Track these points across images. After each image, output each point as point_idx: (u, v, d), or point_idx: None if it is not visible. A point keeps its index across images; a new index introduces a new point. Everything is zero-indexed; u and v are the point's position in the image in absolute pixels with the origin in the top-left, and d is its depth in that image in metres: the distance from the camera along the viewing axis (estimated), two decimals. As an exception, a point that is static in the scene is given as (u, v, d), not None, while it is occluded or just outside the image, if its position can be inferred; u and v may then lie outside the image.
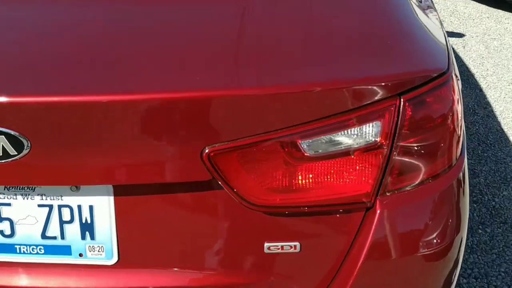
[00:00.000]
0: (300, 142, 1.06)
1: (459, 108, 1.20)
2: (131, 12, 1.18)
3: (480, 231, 2.39)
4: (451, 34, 4.21)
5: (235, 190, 1.07)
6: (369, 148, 1.08)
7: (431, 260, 1.19)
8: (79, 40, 1.11)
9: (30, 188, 1.12)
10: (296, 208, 1.12)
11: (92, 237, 1.14)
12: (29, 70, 1.04)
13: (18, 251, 1.15)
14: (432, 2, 1.55)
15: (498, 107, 3.30)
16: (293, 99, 1.03)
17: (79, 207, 1.12)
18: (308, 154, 1.07)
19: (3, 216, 1.13)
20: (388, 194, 1.12)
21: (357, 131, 1.07)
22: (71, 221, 1.13)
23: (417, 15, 1.27)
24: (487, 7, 4.72)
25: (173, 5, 1.20)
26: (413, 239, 1.16)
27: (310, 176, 1.09)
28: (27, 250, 1.15)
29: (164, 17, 1.16)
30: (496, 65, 3.78)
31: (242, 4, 1.21)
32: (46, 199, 1.12)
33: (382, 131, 1.07)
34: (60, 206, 1.12)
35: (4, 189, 1.12)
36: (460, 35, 4.20)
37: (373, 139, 1.08)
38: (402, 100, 1.07)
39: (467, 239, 2.33)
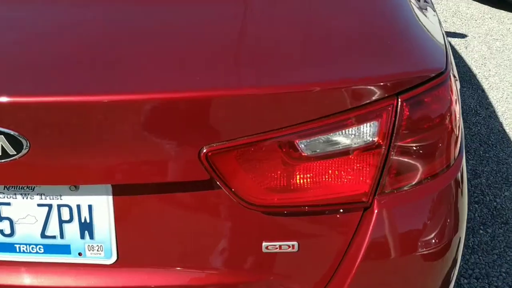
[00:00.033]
0: (297, 142, 1.06)
1: (457, 108, 1.20)
2: (130, 12, 1.19)
3: (481, 231, 2.38)
4: (454, 34, 4.21)
5: (233, 189, 1.08)
6: (367, 148, 1.09)
7: (429, 260, 1.19)
8: (78, 40, 1.11)
9: (30, 188, 1.13)
10: (294, 207, 1.12)
11: (91, 237, 1.14)
12: (28, 70, 1.05)
13: (18, 250, 1.16)
14: (431, 1, 1.55)
15: (500, 108, 3.29)
16: (290, 99, 1.04)
17: (78, 206, 1.13)
18: (305, 154, 1.07)
19: (3, 215, 1.14)
20: (386, 193, 1.12)
21: (354, 131, 1.07)
22: (70, 220, 1.14)
23: (415, 14, 1.27)
24: (489, 7, 4.71)
25: (172, 5, 1.21)
26: (411, 238, 1.16)
27: (308, 176, 1.10)
28: (26, 249, 1.16)
29: (162, 17, 1.17)
30: (498, 65, 3.78)
31: (241, 4, 1.22)
32: (46, 199, 1.13)
33: (380, 131, 1.08)
34: (59, 206, 1.13)
35: (4, 189, 1.12)
36: (462, 36, 4.19)
37: (371, 139, 1.08)
38: (399, 100, 1.07)
39: (468, 239, 2.32)
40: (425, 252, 1.17)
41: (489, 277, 2.16)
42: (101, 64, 1.06)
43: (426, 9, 1.40)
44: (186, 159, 1.05)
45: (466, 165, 2.77)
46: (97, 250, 1.15)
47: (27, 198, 1.13)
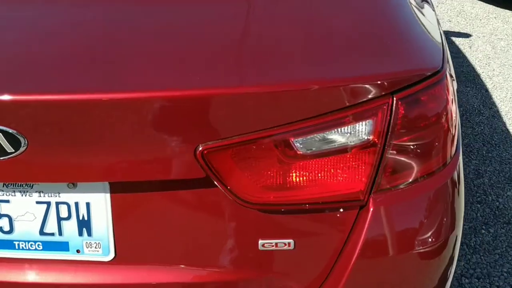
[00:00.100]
0: (293, 140, 1.07)
1: (453, 107, 1.20)
2: (129, 11, 1.20)
3: (483, 231, 2.38)
4: (458, 34, 4.20)
5: (228, 187, 1.08)
6: (362, 146, 1.09)
7: (425, 258, 1.19)
8: (76, 38, 1.12)
9: (28, 185, 1.14)
10: (290, 205, 1.13)
11: (89, 234, 1.16)
12: (26, 68, 1.06)
13: (16, 247, 1.17)
14: (430, 0, 1.55)
15: (503, 108, 3.28)
16: (286, 97, 1.04)
17: (76, 204, 1.14)
18: (301, 152, 1.08)
19: (2, 212, 1.15)
20: (381, 192, 1.13)
21: (350, 129, 1.07)
22: (69, 217, 1.15)
23: (412, 13, 1.27)
24: (494, 7, 4.69)
25: (170, 5, 1.22)
26: (407, 236, 1.17)
27: (304, 174, 1.10)
28: (25, 246, 1.17)
29: (159, 16, 1.18)
30: (502, 65, 3.76)
31: (239, 3, 1.22)
32: (44, 196, 1.14)
33: (375, 130, 1.08)
34: (57, 203, 1.14)
35: (3, 186, 1.14)
36: (466, 36, 4.18)
37: (366, 137, 1.08)
38: (395, 98, 1.07)
39: (470, 239, 2.32)
40: (421, 250, 1.17)
41: (490, 276, 2.15)
42: (98, 62, 1.07)
43: (424, 8, 1.40)
44: (182, 157, 1.06)
45: (469, 165, 2.77)
46: (95, 247, 1.17)
47: (26, 195, 1.14)
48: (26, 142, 1.03)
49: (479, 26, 4.36)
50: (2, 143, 1.02)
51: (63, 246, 1.17)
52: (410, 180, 1.14)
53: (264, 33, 1.14)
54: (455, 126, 1.21)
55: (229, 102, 1.04)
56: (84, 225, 1.15)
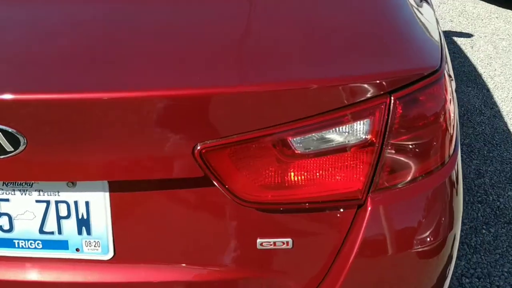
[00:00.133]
0: (291, 139, 1.07)
1: (451, 107, 1.20)
2: (128, 11, 1.20)
3: (484, 231, 2.38)
4: (459, 34, 4.19)
5: (227, 186, 1.09)
6: (360, 146, 1.09)
7: (424, 257, 1.19)
8: (75, 38, 1.13)
9: (28, 184, 1.15)
10: (288, 204, 1.13)
11: (89, 232, 1.16)
12: (25, 67, 1.07)
13: (16, 245, 1.18)
14: (430, 0, 1.55)
15: (505, 108, 3.28)
16: (284, 97, 1.05)
17: (76, 202, 1.15)
18: (299, 151, 1.08)
19: (1, 211, 1.16)
20: (379, 191, 1.13)
21: (347, 128, 1.08)
22: (68, 216, 1.16)
23: (410, 12, 1.27)
24: (496, 7, 4.69)
25: (169, 4, 1.22)
26: (405, 235, 1.17)
27: (302, 173, 1.10)
28: (25, 244, 1.18)
29: (158, 15, 1.18)
30: (504, 65, 3.76)
31: (238, 3, 1.23)
32: (44, 195, 1.15)
33: (373, 129, 1.08)
34: (57, 202, 1.15)
35: (3, 185, 1.14)
36: (468, 35, 4.18)
37: (364, 137, 1.09)
38: (392, 98, 1.07)
39: (471, 239, 2.32)
40: (419, 249, 1.17)
41: (491, 276, 2.15)
42: (96, 62, 1.08)
43: (422, 7, 1.40)
44: (181, 156, 1.06)
45: (470, 165, 2.77)
46: (94, 246, 1.17)
47: (25, 194, 1.15)
48: (25, 141, 1.03)
49: (480, 26, 4.36)
50: (1, 142, 1.03)
51: (63, 245, 1.18)
52: (408, 180, 1.15)
53: (262, 33, 1.14)
54: (454, 126, 1.22)
55: (227, 101, 1.05)
56: (84, 224, 1.16)
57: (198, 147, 1.05)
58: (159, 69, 1.06)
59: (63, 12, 1.20)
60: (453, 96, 1.25)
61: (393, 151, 1.11)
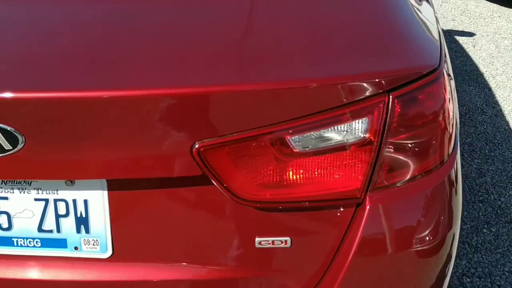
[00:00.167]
0: (289, 138, 1.07)
1: (450, 106, 1.20)
2: (127, 10, 1.20)
3: (485, 230, 2.37)
4: (462, 33, 4.18)
5: (225, 185, 1.09)
6: (359, 144, 1.09)
7: (423, 256, 1.19)
8: (74, 37, 1.13)
9: (27, 182, 1.15)
10: (287, 203, 1.13)
11: (87, 231, 1.16)
12: (24, 66, 1.07)
13: (15, 244, 1.18)
14: (430, -2, 1.55)
15: (506, 107, 3.27)
16: (282, 96, 1.04)
17: (74, 201, 1.15)
18: (297, 150, 1.08)
19: (0, 209, 1.16)
20: (378, 190, 1.13)
21: (346, 127, 1.08)
22: (67, 215, 1.16)
23: (409, 11, 1.27)
24: (498, 6, 4.68)
25: (169, 3, 1.22)
26: (404, 234, 1.17)
27: (300, 171, 1.10)
28: (24, 243, 1.18)
29: (156, 14, 1.18)
30: (506, 64, 3.75)
31: (237, 2, 1.23)
32: (42, 193, 1.15)
33: (371, 128, 1.08)
34: (55, 200, 1.15)
35: (1, 183, 1.14)
36: (470, 34, 4.17)
37: (362, 135, 1.09)
38: (391, 96, 1.07)
39: (472, 238, 2.32)
40: (418, 248, 1.17)
41: (492, 276, 2.15)
42: (95, 60, 1.08)
43: (421, 6, 1.39)
44: (179, 155, 1.06)
45: (471, 164, 2.77)
46: (93, 245, 1.17)
47: (24, 192, 1.15)
48: (23, 140, 1.03)
49: (483, 25, 4.35)
50: (0, 141, 1.03)
51: (61, 243, 1.18)
52: (407, 178, 1.14)
53: (259, 31, 1.14)
54: (453, 125, 1.21)
55: (226, 99, 1.04)
56: (82, 222, 1.16)
57: (196, 146, 1.05)
58: (157, 68, 1.06)
59: (60, 11, 1.20)
60: (452, 95, 1.25)
61: (392, 150, 1.11)
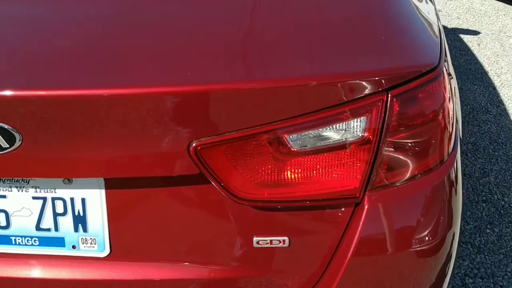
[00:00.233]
0: (286, 136, 1.06)
1: (450, 104, 1.19)
2: (125, 9, 1.20)
3: (488, 230, 2.36)
4: (466, 31, 4.16)
5: (222, 184, 1.08)
6: (357, 143, 1.08)
7: (422, 256, 1.18)
8: (71, 35, 1.13)
9: (25, 181, 1.15)
10: (285, 203, 1.12)
11: (85, 230, 1.16)
12: (21, 65, 1.07)
13: (13, 242, 1.18)
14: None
15: (511, 106, 3.25)
16: (280, 94, 1.04)
17: (72, 199, 1.15)
18: (295, 149, 1.08)
19: (-1, 208, 1.16)
20: (377, 189, 1.12)
21: (344, 126, 1.07)
22: (64, 213, 1.16)
23: (409, 8, 1.26)
24: (504, 4, 4.64)
25: (167, 2, 1.22)
26: (403, 234, 1.16)
27: (298, 171, 1.10)
28: (22, 241, 1.18)
29: (153, 12, 1.18)
30: (511, 63, 3.72)
31: (235, 0, 1.22)
32: (40, 192, 1.15)
33: (370, 127, 1.07)
34: (53, 199, 1.15)
35: (0, 181, 1.15)
36: (475, 33, 4.14)
37: (361, 134, 1.08)
38: (389, 95, 1.06)
39: (474, 238, 2.30)
40: (417, 248, 1.16)
41: (494, 276, 2.13)
42: (91, 59, 1.08)
43: (422, 2, 1.38)
44: (176, 153, 1.06)
45: (475, 164, 2.75)
46: (91, 243, 1.17)
47: (22, 191, 1.15)
48: (21, 138, 1.03)
49: (488, 23, 4.32)
50: (-3, 139, 1.03)
51: (59, 242, 1.18)
52: (406, 178, 1.13)
53: (258, 30, 1.13)
54: (453, 124, 1.20)
55: (223, 98, 1.04)
56: (80, 221, 1.16)
57: (193, 144, 1.04)
58: (154, 67, 1.05)
59: (56, 10, 1.20)
60: (452, 94, 1.24)
61: (391, 149, 1.10)
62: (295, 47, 1.09)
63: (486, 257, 2.22)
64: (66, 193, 1.14)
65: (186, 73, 1.04)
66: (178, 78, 1.04)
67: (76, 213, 1.15)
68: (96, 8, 1.19)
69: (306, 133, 1.06)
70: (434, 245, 1.17)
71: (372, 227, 1.13)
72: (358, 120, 1.06)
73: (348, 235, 1.13)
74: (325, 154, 1.08)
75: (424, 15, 1.30)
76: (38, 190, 1.15)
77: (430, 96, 1.11)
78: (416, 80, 1.08)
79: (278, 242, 1.14)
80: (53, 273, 1.19)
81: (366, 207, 1.12)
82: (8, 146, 1.04)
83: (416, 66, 1.09)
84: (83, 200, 1.14)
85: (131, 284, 1.19)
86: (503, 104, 3.27)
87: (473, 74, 3.59)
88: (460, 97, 3.27)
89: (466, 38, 4.07)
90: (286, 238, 1.14)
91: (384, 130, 1.08)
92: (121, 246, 1.17)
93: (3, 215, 1.17)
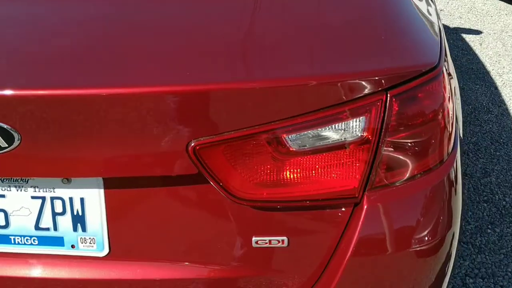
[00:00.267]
0: (285, 136, 1.06)
1: (450, 104, 1.18)
2: (123, 8, 1.20)
3: (489, 230, 2.35)
4: (468, 31, 4.15)
5: (221, 184, 1.08)
6: (356, 143, 1.08)
7: (421, 256, 1.18)
8: (70, 35, 1.13)
9: (24, 180, 1.15)
10: (284, 202, 1.12)
11: (84, 229, 1.16)
12: (20, 64, 1.07)
13: (12, 241, 1.18)
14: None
15: (513, 106, 3.24)
16: (278, 94, 1.04)
17: (71, 199, 1.14)
18: (294, 149, 1.07)
19: (-2, 207, 1.16)
20: (376, 189, 1.12)
21: (343, 125, 1.07)
22: (63, 213, 1.16)
23: (409, 7, 1.26)
24: (506, 4, 4.63)
25: (166, 2, 1.22)
26: (402, 234, 1.16)
27: (297, 170, 1.09)
28: (21, 241, 1.18)
29: (152, 13, 1.18)
30: (513, 62, 3.72)
31: (235, 0, 1.22)
32: (39, 191, 1.15)
33: (369, 126, 1.07)
34: (52, 198, 1.15)
35: (-2, 181, 1.15)
36: (477, 32, 4.14)
37: (360, 134, 1.08)
38: (389, 95, 1.06)
39: (475, 238, 2.30)
40: (417, 248, 1.16)
41: (495, 276, 2.13)
42: (90, 59, 1.07)
43: (422, 2, 1.38)
44: (175, 153, 1.06)
45: (476, 164, 2.74)
46: (90, 243, 1.17)
47: (21, 190, 1.15)
48: (19, 137, 1.03)
49: (490, 23, 4.31)
50: (-5, 138, 1.03)
51: (58, 241, 1.18)
52: (406, 178, 1.13)
53: (257, 30, 1.13)
54: (453, 124, 1.20)
55: (222, 98, 1.04)
56: (79, 220, 1.16)
57: (192, 144, 1.04)
58: (153, 66, 1.05)
59: (57, 9, 1.20)
60: (452, 93, 1.23)
61: (390, 149, 1.10)
62: (294, 47, 1.09)
63: (487, 257, 2.21)
64: (65, 192, 1.14)
65: (185, 73, 1.04)
66: (176, 77, 1.04)
67: (75, 213, 1.15)
68: (96, 8, 1.19)
69: (305, 133, 1.06)
70: (433, 245, 1.16)
71: (371, 227, 1.13)
72: (357, 120, 1.06)
73: (347, 235, 1.13)
74: (324, 154, 1.08)
75: (424, 15, 1.30)
76: (37, 189, 1.15)
77: (429, 95, 1.11)
78: (415, 79, 1.08)
79: (277, 242, 1.14)
80: (52, 273, 1.19)
81: (365, 207, 1.11)
82: (7, 145, 1.04)
83: (416, 66, 1.09)
84: (82, 200, 1.14)
85: (130, 284, 1.19)
86: (504, 104, 3.26)
87: (475, 73, 3.58)
88: (462, 96, 3.26)
89: (468, 37, 4.06)
90: (285, 238, 1.14)
91: (383, 130, 1.07)
92: (120, 245, 1.17)
93: (2, 214, 1.17)
